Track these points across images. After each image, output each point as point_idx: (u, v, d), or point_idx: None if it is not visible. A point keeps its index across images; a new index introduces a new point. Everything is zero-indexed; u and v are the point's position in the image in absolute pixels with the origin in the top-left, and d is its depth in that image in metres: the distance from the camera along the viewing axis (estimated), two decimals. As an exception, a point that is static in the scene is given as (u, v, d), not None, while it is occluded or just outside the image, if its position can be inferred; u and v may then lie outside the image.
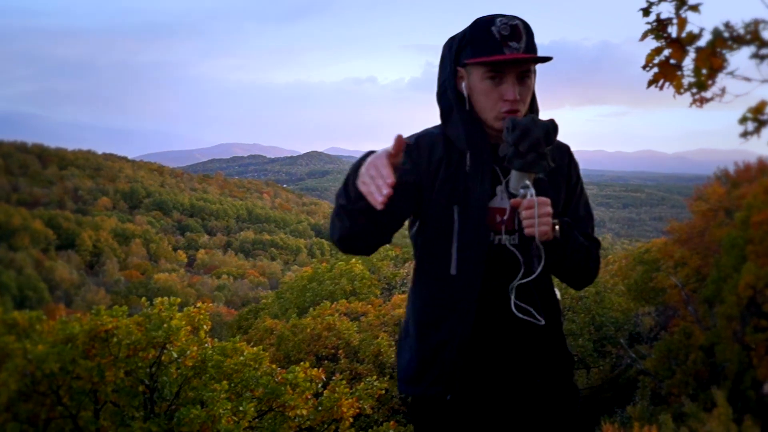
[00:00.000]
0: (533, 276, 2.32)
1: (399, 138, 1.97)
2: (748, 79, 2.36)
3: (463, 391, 2.38)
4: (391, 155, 1.97)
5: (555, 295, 2.53)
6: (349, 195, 2.09)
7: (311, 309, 15.71)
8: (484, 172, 2.33)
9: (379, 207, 1.93)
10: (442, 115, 2.43)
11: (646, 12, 2.56)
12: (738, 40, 2.33)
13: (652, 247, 20.13)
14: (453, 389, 2.37)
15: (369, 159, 2.01)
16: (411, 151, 2.35)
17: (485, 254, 2.33)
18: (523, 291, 2.37)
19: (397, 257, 23.09)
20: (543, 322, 2.38)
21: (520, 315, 2.34)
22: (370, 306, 15.92)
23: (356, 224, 2.15)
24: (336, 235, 2.26)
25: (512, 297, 2.34)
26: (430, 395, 2.42)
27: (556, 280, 2.58)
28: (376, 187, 1.92)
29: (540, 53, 2.29)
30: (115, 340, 6.99)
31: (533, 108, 2.42)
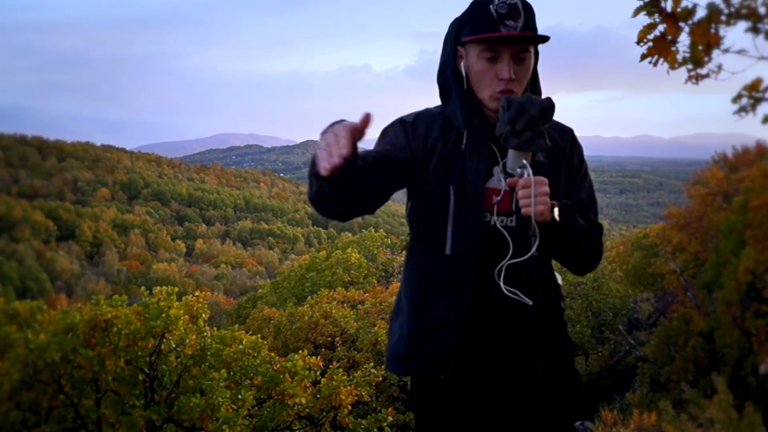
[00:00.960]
0: (526, 257, 2.31)
1: (367, 116, 1.94)
2: (744, 51, 2.34)
3: (458, 373, 2.37)
4: (354, 129, 1.93)
5: (556, 279, 2.51)
6: (313, 160, 2.05)
7: (309, 298, 15.72)
8: (481, 152, 2.33)
9: (323, 173, 1.90)
10: (441, 95, 2.43)
11: (638, -12, 2.52)
12: (734, 15, 2.31)
13: (650, 233, 20.08)
14: (447, 370, 2.35)
15: (333, 126, 1.98)
16: (407, 129, 2.37)
17: (480, 234, 2.32)
18: (523, 274, 2.36)
19: (394, 245, 23.10)
20: (531, 303, 2.35)
21: (509, 294, 2.32)
22: (367, 294, 15.92)
23: (321, 189, 2.10)
24: (309, 197, 2.22)
25: (501, 276, 2.33)
26: (423, 375, 2.41)
27: (557, 265, 2.57)
28: (327, 155, 1.89)
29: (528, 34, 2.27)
30: (114, 329, 6.99)
31: (535, 90, 2.41)
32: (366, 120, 1.94)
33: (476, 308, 2.35)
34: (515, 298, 2.33)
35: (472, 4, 2.31)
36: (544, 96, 2.37)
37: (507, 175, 2.27)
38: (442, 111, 2.42)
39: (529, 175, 2.16)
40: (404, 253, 2.81)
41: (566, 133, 2.49)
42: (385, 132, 2.41)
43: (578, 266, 2.48)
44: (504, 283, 2.33)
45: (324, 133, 2.00)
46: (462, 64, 2.35)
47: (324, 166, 1.89)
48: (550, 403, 2.45)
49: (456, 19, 2.38)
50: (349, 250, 19.86)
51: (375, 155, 2.25)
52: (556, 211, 2.22)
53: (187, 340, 7.28)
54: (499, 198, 2.33)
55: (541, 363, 2.42)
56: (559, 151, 2.43)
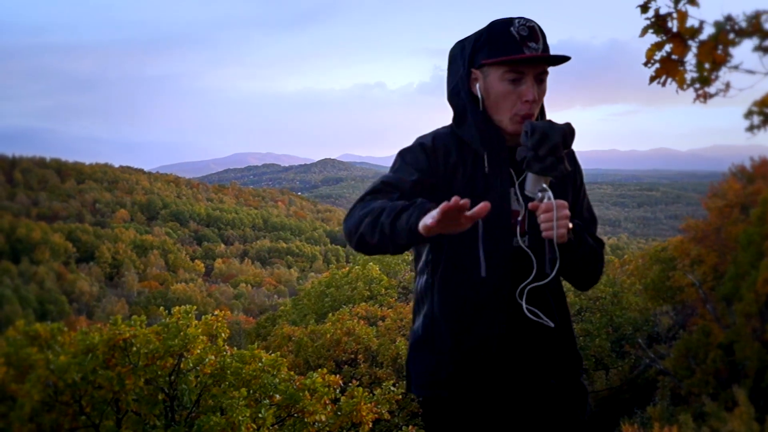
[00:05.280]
0: (548, 279, 2.32)
1: (466, 202, 1.91)
2: (751, 72, 2.35)
3: (491, 392, 2.40)
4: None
5: (565, 296, 2.55)
6: (396, 229, 2.07)
7: (330, 315, 15.72)
8: (502, 174, 2.35)
9: (424, 233, 1.96)
10: (456, 117, 2.43)
11: (644, 8, 2.52)
12: (740, 33, 2.32)
13: (669, 246, 20.04)
14: (489, 390, 2.39)
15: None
16: (427, 152, 2.37)
17: (511, 256, 2.35)
18: (538, 293, 2.39)
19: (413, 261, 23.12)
20: (553, 325, 2.39)
21: (532, 317, 2.36)
22: (389, 310, 15.91)
23: (383, 245, 2.15)
24: (356, 235, 2.22)
25: (523, 299, 2.35)
26: (467, 397, 2.42)
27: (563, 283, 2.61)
28: (443, 227, 1.92)
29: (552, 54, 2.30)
30: (134, 349, 7.03)
31: (542, 111, 2.44)
32: (465, 205, 1.94)
33: (507, 329, 2.38)
34: (535, 319, 2.36)
35: (490, 27, 2.32)
36: (553, 117, 2.40)
37: (523, 197, 2.31)
38: (452, 131, 2.43)
39: (549, 198, 2.19)
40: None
41: (568, 155, 2.52)
42: (405, 155, 2.41)
43: (584, 282, 2.54)
44: (525, 304, 2.36)
45: (425, 211, 2.01)
46: (477, 86, 2.36)
47: (450, 231, 1.95)
48: (561, 417, 2.48)
49: (462, 41, 2.40)
50: (370, 264, 19.90)
51: (410, 188, 2.28)
52: (570, 232, 2.26)
53: (206, 359, 7.30)
54: (520, 219, 2.36)
55: (555, 378, 2.46)
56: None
